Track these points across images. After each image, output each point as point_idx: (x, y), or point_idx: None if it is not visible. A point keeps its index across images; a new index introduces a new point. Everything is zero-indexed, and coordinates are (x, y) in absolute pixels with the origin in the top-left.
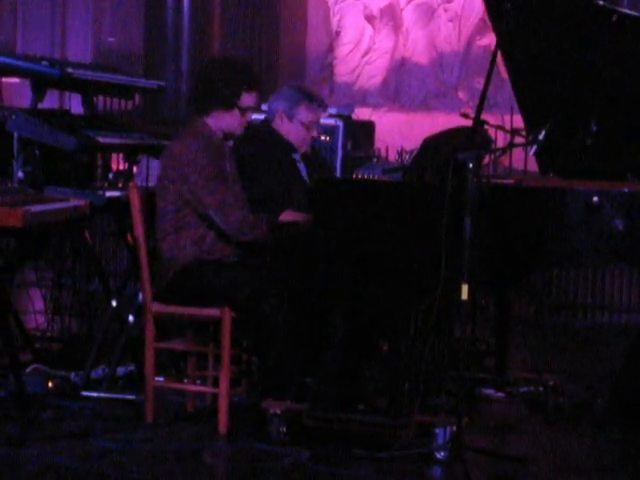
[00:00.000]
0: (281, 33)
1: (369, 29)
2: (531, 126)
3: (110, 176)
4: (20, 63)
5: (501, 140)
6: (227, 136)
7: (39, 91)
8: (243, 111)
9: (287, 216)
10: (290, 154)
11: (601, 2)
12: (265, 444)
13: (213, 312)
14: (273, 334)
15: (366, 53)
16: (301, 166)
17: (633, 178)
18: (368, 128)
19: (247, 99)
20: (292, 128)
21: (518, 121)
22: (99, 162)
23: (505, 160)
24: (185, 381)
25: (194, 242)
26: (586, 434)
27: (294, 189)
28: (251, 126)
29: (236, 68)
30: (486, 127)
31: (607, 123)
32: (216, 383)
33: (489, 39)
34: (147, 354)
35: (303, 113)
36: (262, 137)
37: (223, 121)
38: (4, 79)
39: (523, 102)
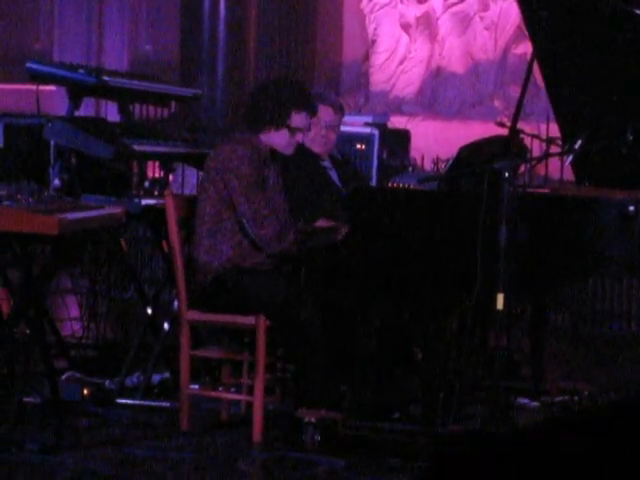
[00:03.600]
0: (317, 42)
1: (405, 37)
2: (567, 135)
3: (146, 184)
4: (57, 71)
5: (537, 149)
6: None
7: (75, 99)
8: (292, 131)
9: (321, 224)
10: (317, 162)
11: (638, 11)
12: (300, 452)
13: (248, 320)
14: (308, 342)
15: (402, 62)
16: (332, 173)
17: None
18: (404, 137)
19: (297, 119)
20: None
21: (554, 130)
22: (135, 170)
23: (541, 169)
24: (220, 389)
25: (231, 247)
26: None
27: (327, 196)
28: None
29: (288, 88)
30: (522, 136)
31: None
32: (251, 391)
33: (525, 47)
34: (182, 362)
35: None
36: None
37: (272, 140)
38: (41, 87)
39: (559, 111)
